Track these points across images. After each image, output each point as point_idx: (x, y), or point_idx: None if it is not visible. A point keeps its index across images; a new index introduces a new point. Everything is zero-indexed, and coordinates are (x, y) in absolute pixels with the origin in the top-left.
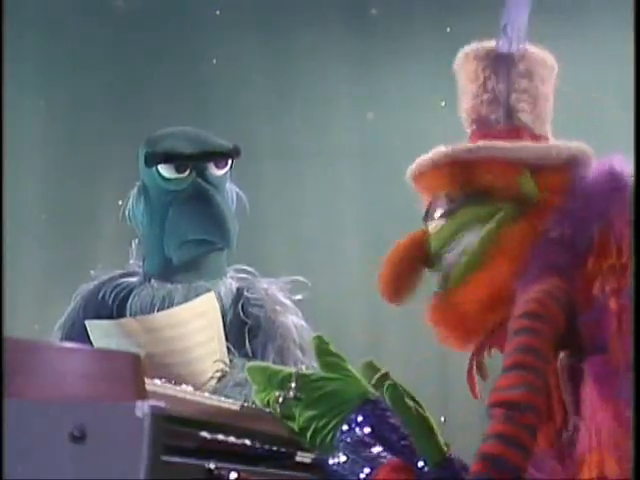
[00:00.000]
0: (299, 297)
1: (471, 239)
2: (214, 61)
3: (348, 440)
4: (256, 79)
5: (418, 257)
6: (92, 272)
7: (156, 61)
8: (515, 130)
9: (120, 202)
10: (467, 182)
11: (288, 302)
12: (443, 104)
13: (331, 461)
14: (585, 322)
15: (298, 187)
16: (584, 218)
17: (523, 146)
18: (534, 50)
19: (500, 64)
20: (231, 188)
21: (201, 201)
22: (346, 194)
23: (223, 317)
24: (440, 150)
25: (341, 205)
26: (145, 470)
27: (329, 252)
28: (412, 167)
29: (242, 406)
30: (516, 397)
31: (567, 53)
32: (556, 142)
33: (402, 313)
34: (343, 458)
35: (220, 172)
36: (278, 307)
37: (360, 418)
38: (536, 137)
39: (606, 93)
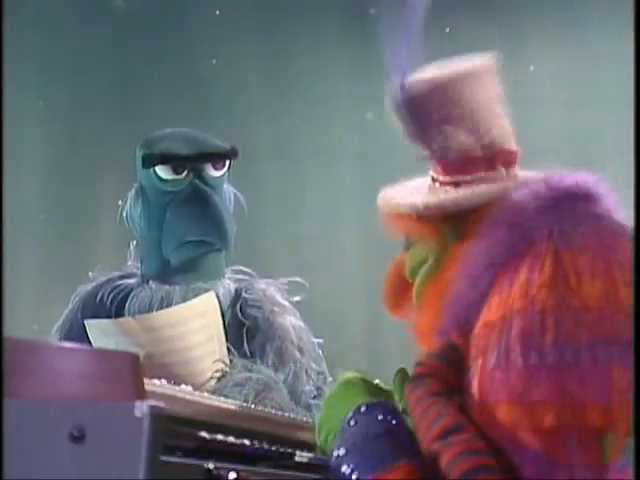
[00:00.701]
0: (297, 298)
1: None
2: (214, 61)
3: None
4: (256, 79)
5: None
6: (90, 274)
7: (156, 61)
8: (453, 161)
9: (120, 202)
10: (401, 231)
11: (286, 303)
12: None
13: (335, 453)
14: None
15: (297, 187)
16: (476, 267)
17: (442, 201)
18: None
19: (396, 102)
20: (228, 189)
21: (199, 202)
22: (345, 194)
23: (222, 318)
24: (383, 196)
25: (340, 205)
26: (144, 470)
27: (328, 253)
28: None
29: (241, 406)
30: (444, 423)
31: (567, 53)
32: (481, 185)
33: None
34: (343, 451)
35: (218, 173)
36: (276, 308)
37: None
38: (477, 158)
39: (606, 93)
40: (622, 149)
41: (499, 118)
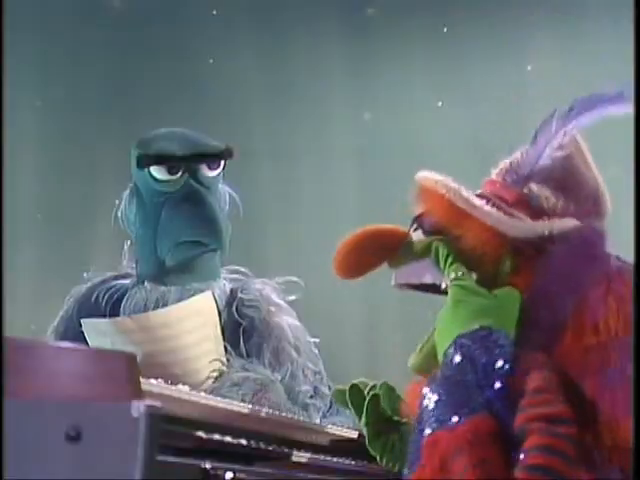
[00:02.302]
0: (294, 297)
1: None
2: (211, 61)
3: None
4: (253, 79)
5: (388, 247)
6: (85, 274)
7: (153, 61)
8: (520, 200)
9: (117, 202)
10: (456, 228)
11: (282, 303)
12: (440, 104)
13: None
14: None
15: (294, 187)
16: (557, 294)
17: (509, 222)
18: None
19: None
20: (224, 189)
21: (194, 203)
22: (342, 194)
23: (218, 317)
24: (450, 184)
25: (337, 205)
26: (141, 470)
27: (324, 252)
28: (423, 177)
29: (238, 406)
30: (554, 411)
31: (564, 52)
32: (548, 223)
33: (399, 314)
34: (435, 397)
35: (213, 173)
36: (272, 308)
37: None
38: (537, 214)
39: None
40: (621, 149)
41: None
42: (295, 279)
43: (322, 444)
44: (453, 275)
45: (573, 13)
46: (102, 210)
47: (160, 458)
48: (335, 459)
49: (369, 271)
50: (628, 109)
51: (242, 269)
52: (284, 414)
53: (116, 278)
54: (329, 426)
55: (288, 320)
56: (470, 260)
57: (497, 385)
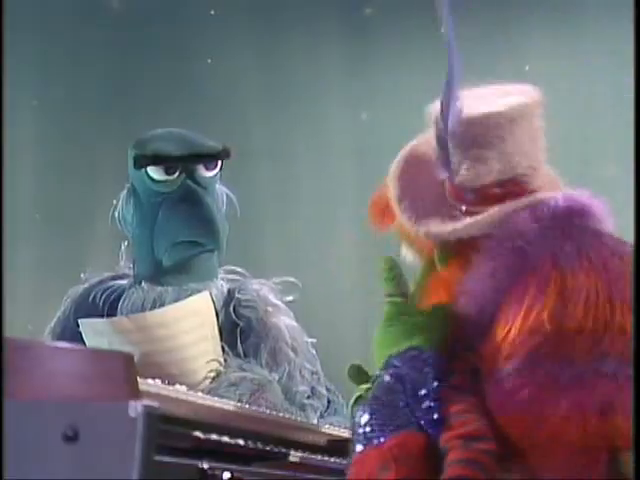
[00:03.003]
0: (291, 298)
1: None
2: (209, 61)
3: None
4: (251, 79)
5: None
6: (82, 275)
7: (151, 61)
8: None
9: (115, 201)
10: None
11: (280, 303)
12: None
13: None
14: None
15: (292, 187)
16: (481, 292)
17: (437, 232)
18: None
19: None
20: (221, 189)
21: (191, 203)
22: (340, 194)
23: (216, 318)
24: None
25: (334, 205)
26: (138, 470)
27: (322, 252)
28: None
29: (235, 406)
30: (472, 429)
31: (562, 52)
32: (478, 215)
33: None
34: (366, 417)
35: (210, 174)
36: (270, 308)
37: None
38: (501, 185)
39: (602, 92)
40: (620, 149)
41: (534, 157)
42: (292, 280)
43: (319, 444)
44: (386, 292)
45: (571, 13)
46: (100, 210)
47: (157, 458)
48: (332, 459)
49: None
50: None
51: (239, 269)
52: (281, 414)
53: (113, 278)
54: (326, 426)
55: (285, 320)
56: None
57: (425, 404)
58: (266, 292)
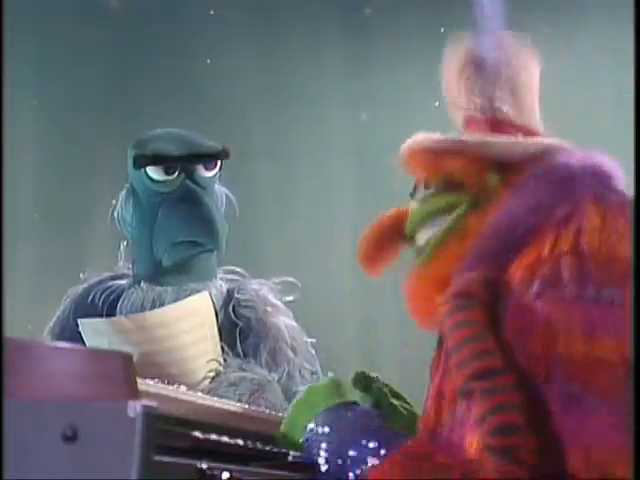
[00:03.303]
0: (290, 298)
1: (438, 227)
2: (208, 61)
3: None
4: (250, 79)
5: (398, 231)
6: (81, 275)
7: (150, 61)
8: (496, 122)
9: (114, 201)
10: (437, 171)
11: (279, 303)
12: (437, 104)
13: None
14: (504, 312)
15: (291, 187)
16: (525, 209)
17: (488, 142)
18: (513, 40)
19: (477, 55)
20: (220, 189)
21: (190, 203)
22: (340, 194)
23: (215, 318)
24: (416, 137)
25: (334, 205)
26: (137, 470)
27: (321, 252)
28: (403, 148)
29: (235, 406)
30: (485, 364)
31: (565, 53)
32: (527, 138)
33: (395, 314)
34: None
35: (209, 174)
36: (269, 308)
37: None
38: (517, 128)
39: (601, 92)
40: (619, 149)
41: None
42: (292, 280)
43: None
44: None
45: (570, 13)
46: (99, 210)
47: (157, 458)
48: None
49: (392, 260)
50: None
51: (238, 269)
52: (281, 414)
53: (113, 278)
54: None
55: (285, 320)
56: (462, 191)
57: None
58: (265, 292)
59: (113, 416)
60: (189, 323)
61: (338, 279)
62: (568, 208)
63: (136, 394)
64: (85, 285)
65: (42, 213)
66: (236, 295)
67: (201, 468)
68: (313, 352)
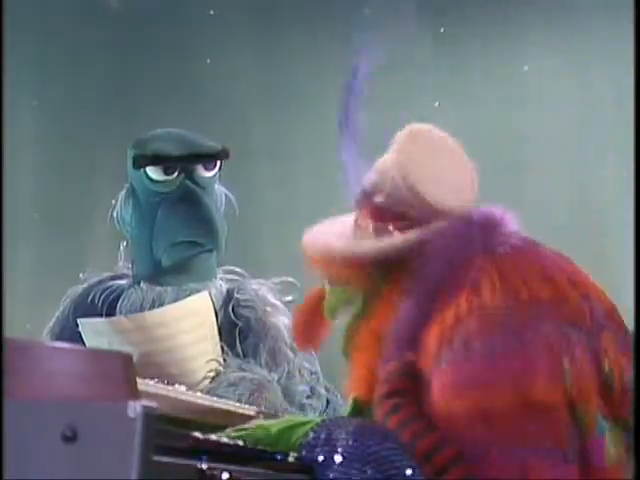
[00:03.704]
0: (290, 298)
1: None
2: (208, 61)
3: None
4: (250, 79)
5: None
6: (81, 275)
7: (150, 61)
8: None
9: (114, 201)
10: (331, 275)
11: (278, 303)
12: (437, 104)
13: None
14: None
15: (292, 187)
16: (424, 294)
17: (362, 250)
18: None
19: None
20: (220, 189)
21: (189, 203)
22: (339, 194)
23: (215, 317)
24: (312, 236)
25: (335, 205)
26: (137, 470)
27: None
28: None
29: (235, 406)
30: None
31: (561, 52)
32: (396, 234)
33: None
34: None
35: (208, 174)
36: (269, 308)
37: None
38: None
39: (600, 92)
40: (618, 149)
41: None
42: (291, 280)
43: None
44: None
45: (570, 13)
46: (99, 210)
47: (156, 458)
48: None
49: (325, 335)
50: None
51: (238, 269)
52: (281, 414)
53: (112, 278)
54: None
55: (284, 320)
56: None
57: None
58: (265, 292)
59: (113, 416)
60: (189, 323)
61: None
62: (457, 275)
63: (136, 394)
64: (85, 285)
65: (41, 213)
66: (236, 295)
67: (201, 468)
68: (313, 352)
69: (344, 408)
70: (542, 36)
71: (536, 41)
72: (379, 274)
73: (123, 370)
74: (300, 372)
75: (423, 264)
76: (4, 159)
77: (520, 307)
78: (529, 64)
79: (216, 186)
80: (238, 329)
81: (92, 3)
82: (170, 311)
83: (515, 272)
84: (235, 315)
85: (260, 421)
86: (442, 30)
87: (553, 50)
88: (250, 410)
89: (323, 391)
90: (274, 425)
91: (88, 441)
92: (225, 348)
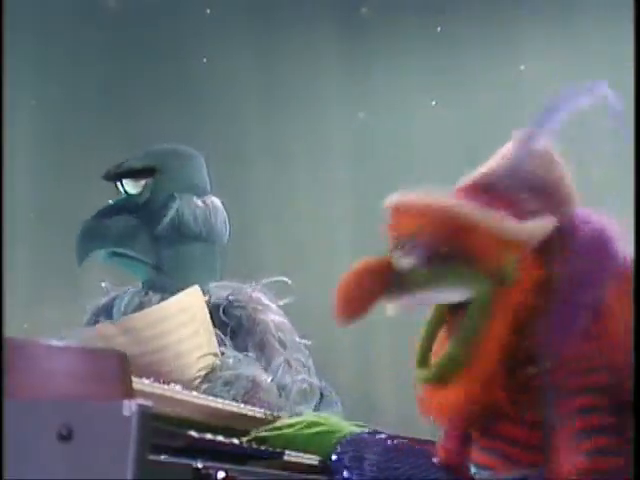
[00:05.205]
0: (287, 300)
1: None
2: (204, 60)
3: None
4: (247, 78)
5: (380, 282)
6: (103, 284)
7: (147, 60)
8: (508, 206)
9: (110, 201)
10: (451, 238)
11: (270, 303)
12: (434, 103)
13: None
14: None
15: (288, 187)
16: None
17: (501, 223)
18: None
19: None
20: (214, 200)
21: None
22: (337, 193)
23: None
24: (428, 197)
25: (332, 205)
26: (132, 469)
27: (319, 252)
28: (396, 200)
29: (230, 405)
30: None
31: (558, 52)
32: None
33: (393, 317)
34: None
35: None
36: (259, 307)
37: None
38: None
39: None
40: (616, 149)
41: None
42: (285, 279)
43: None
44: None
45: (566, 12)
46: (98, 208)
47: (151, 457)
48: None
49: (367, 312)
50: (595, 101)
51: (233, 284)
52: (275, 413)
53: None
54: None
55: (273, 317)
56: (472, 264)
57: None
58: (258, 294)
59: (108, 415)
60: (175, 321)
61: (336, 279)
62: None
63: (131, 393)
64: (106, 298)
65: (38, 212)
66: (230, 297)
67: (196, 467)
68: (304, 348)
69: (338, 404)
70: (539, 36)
71: (533, 41)
72: (511, 261)
73: (118, 369)
74: (290, 364)
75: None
76: (4, 159)
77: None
78: (526, 64)
79: (212, 198)
80: (229, 329)
81: (89, 3)
82: (154, 312)
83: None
84: (227, 316)
85: (285, 422)
86: (439, 29)
87: (549, 50)
88: (246, 409)
89: (317, 382)
90: (300, 428)
91: (83, 440)
92: (224, 339)
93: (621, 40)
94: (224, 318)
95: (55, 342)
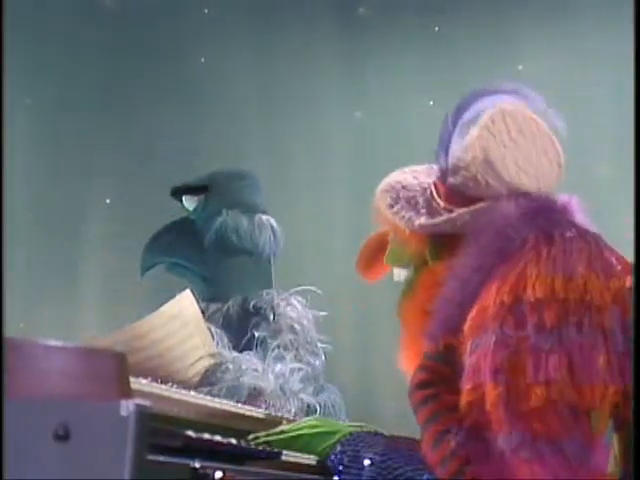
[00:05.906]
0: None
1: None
2: (202, 60)
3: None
4: (245, 78)
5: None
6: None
7: (144, 60)
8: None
9: (108, 201)
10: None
11: (297, 303)
12: (431, 103)
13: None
14: None
15: (286, 185)
16: (469, 270)
17: (423, 224)
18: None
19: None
20: (261, 217)
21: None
22: (334, 192)
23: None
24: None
25: (330, 204)
26: (129, 469)
27: (318, 252)
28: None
29: (228, 405)
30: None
31: (555, 52)
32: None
33: (392, 315)
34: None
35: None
36: (281, 302)
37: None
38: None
39: (595, 91)
40: (614, 149)
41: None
42: (312, 288)
43: None
44: None
45: (564, 12)
46: (95, 209)
47: (149, 457)
48: None
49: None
50: (520, 102)
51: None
52: (274, 413)
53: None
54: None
55: (292, 310)
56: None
57: None
58: (280, 300)
59: (106, 415)
60: (166, 329)
61: (335, 279)
62: (506, 261)
63: (128, 393)
64: None
65: (35, 212)
66: (252, 302)
67: (194, 467)
68: (318, 349)
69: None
70: (537, 36)
71: (531, 41)
72: (432, 250)
73: (116, 369)
74: (298, 356)
75: (471, 240)
76: (4, 159)
77: (566, 296)
78: (523, 64)
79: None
80: (252, 323)
81: (87, 3)
82: (144, 324)
83: (568, 257)
84: (254, 309)
85: (286, 427)
86: (436, 29)
87: (547, 50)
88: (244, 409)
89: (321, 381)
90: (300, 430)
91: (81, 440)
92: (226, 341)
93: (620, 40)
94: (251, 310)
95: (52, 342)
